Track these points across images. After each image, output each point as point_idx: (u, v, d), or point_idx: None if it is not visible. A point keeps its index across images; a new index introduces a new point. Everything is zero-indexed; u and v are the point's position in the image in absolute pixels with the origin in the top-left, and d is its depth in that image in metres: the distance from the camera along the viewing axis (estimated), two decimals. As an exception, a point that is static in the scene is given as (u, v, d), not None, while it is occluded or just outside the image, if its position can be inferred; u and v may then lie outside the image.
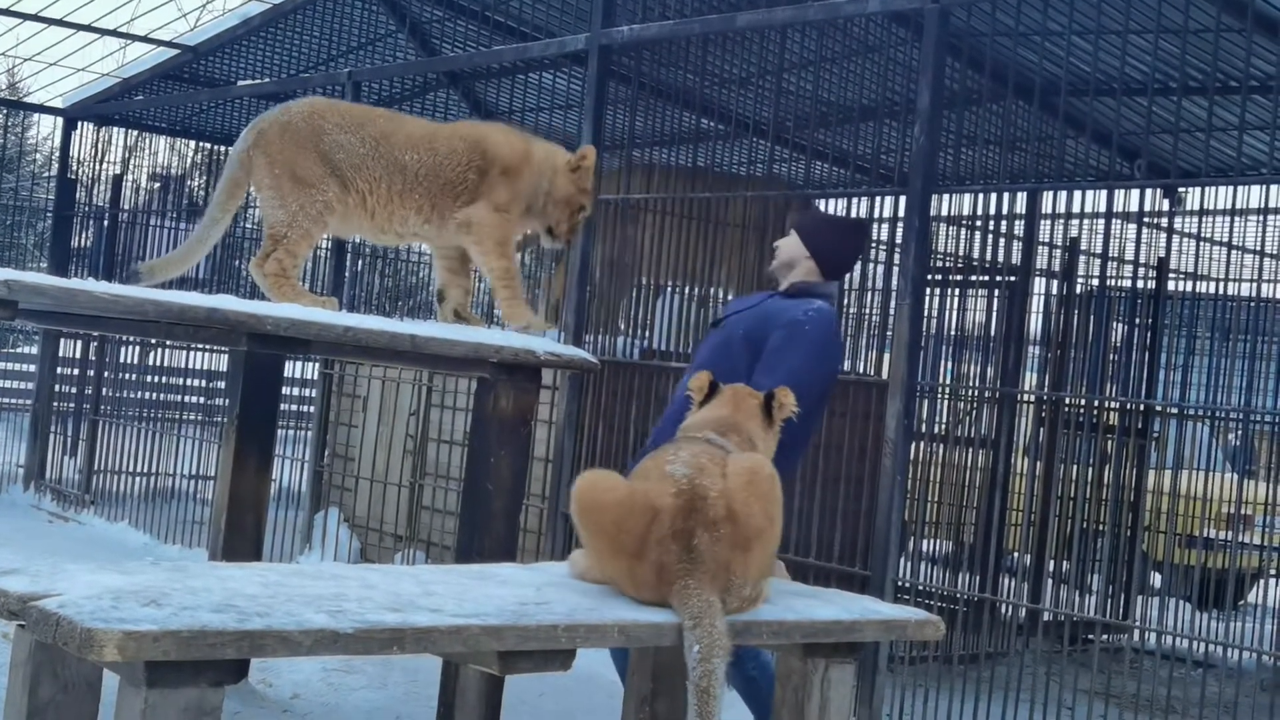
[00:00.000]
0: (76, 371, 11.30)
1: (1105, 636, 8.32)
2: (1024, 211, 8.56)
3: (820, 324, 4.62)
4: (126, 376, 10.98)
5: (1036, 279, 8.78)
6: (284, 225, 4.70)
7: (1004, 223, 7.24)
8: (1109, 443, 8.68)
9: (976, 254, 7.89)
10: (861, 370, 8.04)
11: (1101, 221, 8.23)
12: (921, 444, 7.58)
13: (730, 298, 5.47)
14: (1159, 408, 8.85)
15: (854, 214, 7.59)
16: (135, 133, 12.14)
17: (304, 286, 4.81)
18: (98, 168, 11.78)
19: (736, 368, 4.71)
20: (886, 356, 6.37)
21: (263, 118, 4.88)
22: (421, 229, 4.85)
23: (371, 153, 4.75)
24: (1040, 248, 8.70)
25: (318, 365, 9.30)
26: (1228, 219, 8.56)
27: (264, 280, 4.73)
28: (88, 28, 10.10)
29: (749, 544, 3.49)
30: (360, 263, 10.08)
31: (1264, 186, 8.63)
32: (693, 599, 3.37)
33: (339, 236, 5.00)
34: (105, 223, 11.38)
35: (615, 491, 3.53)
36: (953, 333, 8.13)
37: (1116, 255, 9.02)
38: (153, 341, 10.32)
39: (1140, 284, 8.85)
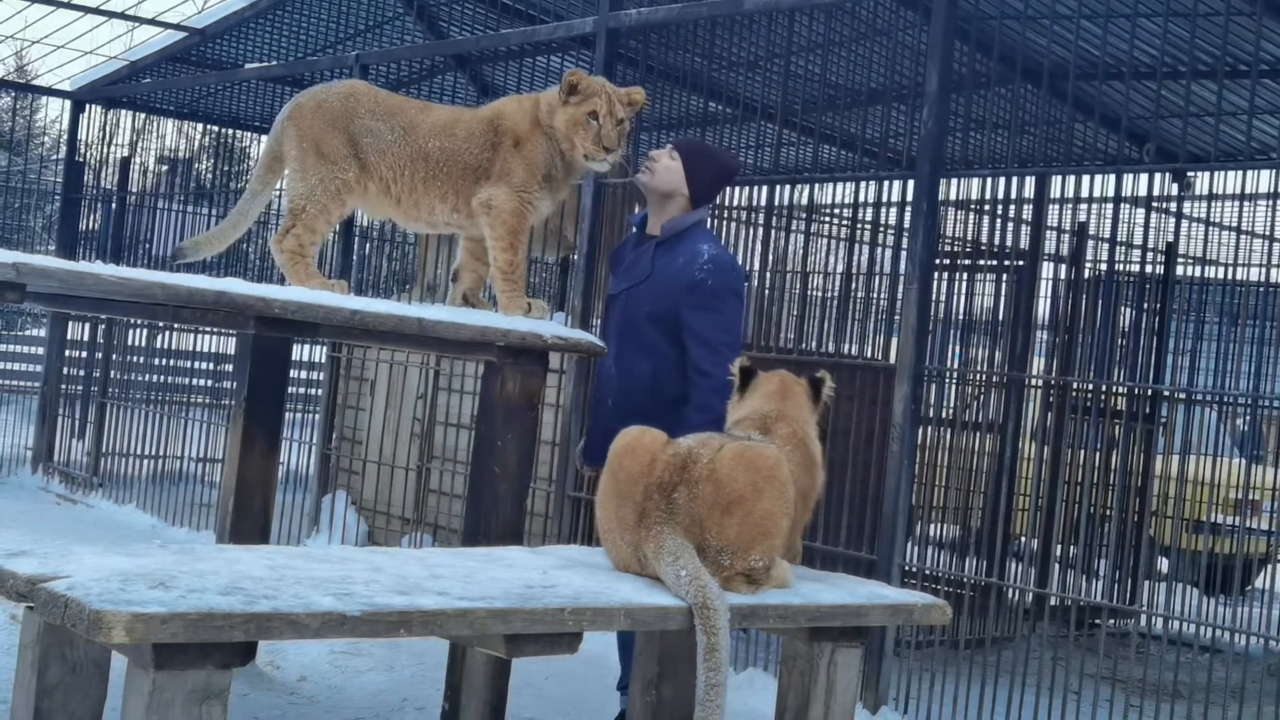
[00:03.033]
0: (84, 354, 11.32)
1: (1112, 621, 8.32)
2: (1032, 196, 8.54)
3: (718, 271, 4.85)
4: (134, 359, 10.99)
5: (1045, 263, 8.76)
6: (303, 198, 4.73)
7: (1012, 207, 7.22)
8: (1116, 428, 8.67)
9: (984, 238, 7.88)
10: (869, 355, 8.04)
11: (1110, 206, 8.21)
12: (929, 429, 7.57)
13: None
14: (1167, 393, 8.83)
15: (861, 199, 7.56)
16: (143, 115, 12.13)
17: (316, 268, 4.82)
18: (105, 150, 11.77)
19: (652, 345, 4.89)
20: (894, 341, 6.35)
21: (302, 93, 4.94)
22: (451, 218, 4.82)
23: (398, 140, 4.75)
24: (1048, 232, 8.68)
25: (325, 348, 9.30)
26: (1237, 204, 8.53)
27: (280, 257, 4.75)
28: (96, 10, 10.09)
29: (729, 507, 3.63)
30: (368, 246, 10.08)
31: (1273, 171, 8.60)
32: (667, 540, 3.59)
33: (372, 217, 4.99)
34: (113, 206, 11.38)
35: (628, 435, 3.86)
36: (960, 317, 8.12)
37: (1125, 240, 9.00)
38: (160, 324, 10.33)
39: (1149, 269, 8.83)
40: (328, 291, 4.58)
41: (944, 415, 8.16)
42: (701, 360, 4.79)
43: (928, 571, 7.54)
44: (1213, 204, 8.83)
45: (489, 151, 4.75)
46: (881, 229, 7.62)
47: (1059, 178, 8.16)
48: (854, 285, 8.21)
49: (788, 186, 7.67)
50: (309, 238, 4.74)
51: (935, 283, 6.81)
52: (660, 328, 4.88)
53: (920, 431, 6.37)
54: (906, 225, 6.19)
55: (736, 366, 4.26)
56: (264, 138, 12.22)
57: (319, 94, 4.86)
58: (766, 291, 7.19)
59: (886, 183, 7.21)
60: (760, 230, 7.48)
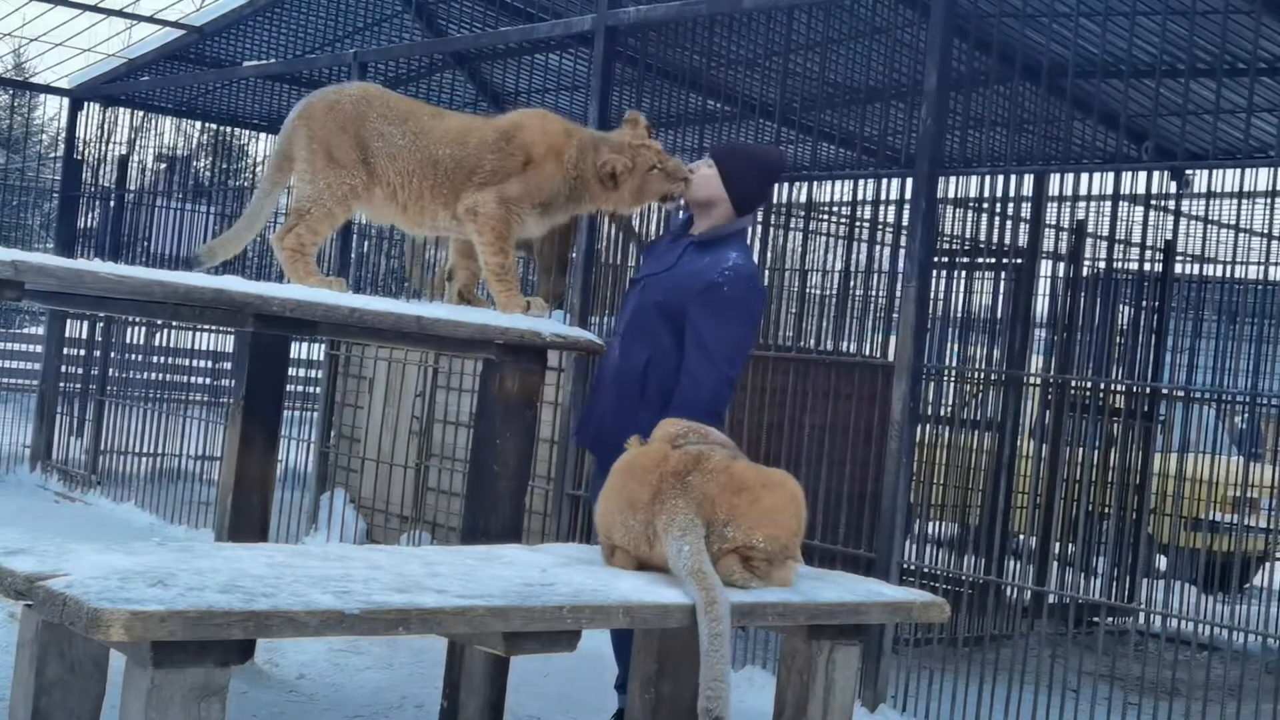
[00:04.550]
0: (83, 352, 11.32)
1: (1110, 619, 8.32)
2: (1030, 194, 8.54)
3: (738, 281, 4.76)
4: (132, 357, 10.99)
5: (1043, 261, 8.76)
6: (309, 201, 4.72)
7: (1010, 205, 7.22)
8: (1115, 426, 8.67)
9: (983, 236, 7.88)
10: (868, 353, 8.04)
11: (1109, 204, 8.21)
12: (927, 426, 7.57)
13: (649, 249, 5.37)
14: (1165, 391, 8.84)
15: (859, 197, 7.56)
16: (141, 113, 12.12)
17: (316, 266, 4.82)
18: (104, 148, 11.77)
19: (655, 335, 4.83)
20: (892, 339, 6.35)
21: (315, 94, 4.92)
22: (450, 224, 4.81)
23: (410, 145, 4.73)
24: (1047, 230, 8.68)
25: (324, 346, 9.30)
26: (1235, 201, 8.54)
27: (281, 254, 4.75)
28: (94, 8, 10.08)
29: (740, 490, 3.73)
30: (366, 244, 10.07)
31: (1271, 169, 8.60)
32: (680, 516, 3.67)
33: (377, 223, 4.96)
34: (111, 203, 11.38)
35: (641, 445, 4.01)
36: (959, 315, 8.12)
37: (1123, 238, 9.00)
38: (159, 322, 10.33)
39: (1147, 266, 8.83)
40: (326, 289, 4.57)
41: (943, 413, 8.16)
42: (695, 366, 4.71)
43: (926, 569, 7.55)
44: (1211, 202, 8.84)
45: (491, 154, 4.72)
46: (880, 227, 7.62)
47: (1057, 176, 8.16)
48: (853, 283, 8.21)
49: (786, 184, 7.66)
50: (310, 238, 4.74)
51: (934, 280, 6.81)
52: (665, 319, 4.82)
53: (919, 429, 6.38)
54: (905, 223, 6.19)
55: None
56: (263, 135, 12.29)
57: (331, 95, 4.84)
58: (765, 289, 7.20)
59: (885, 180, 7.22)
60: (759, 228, 7.48)
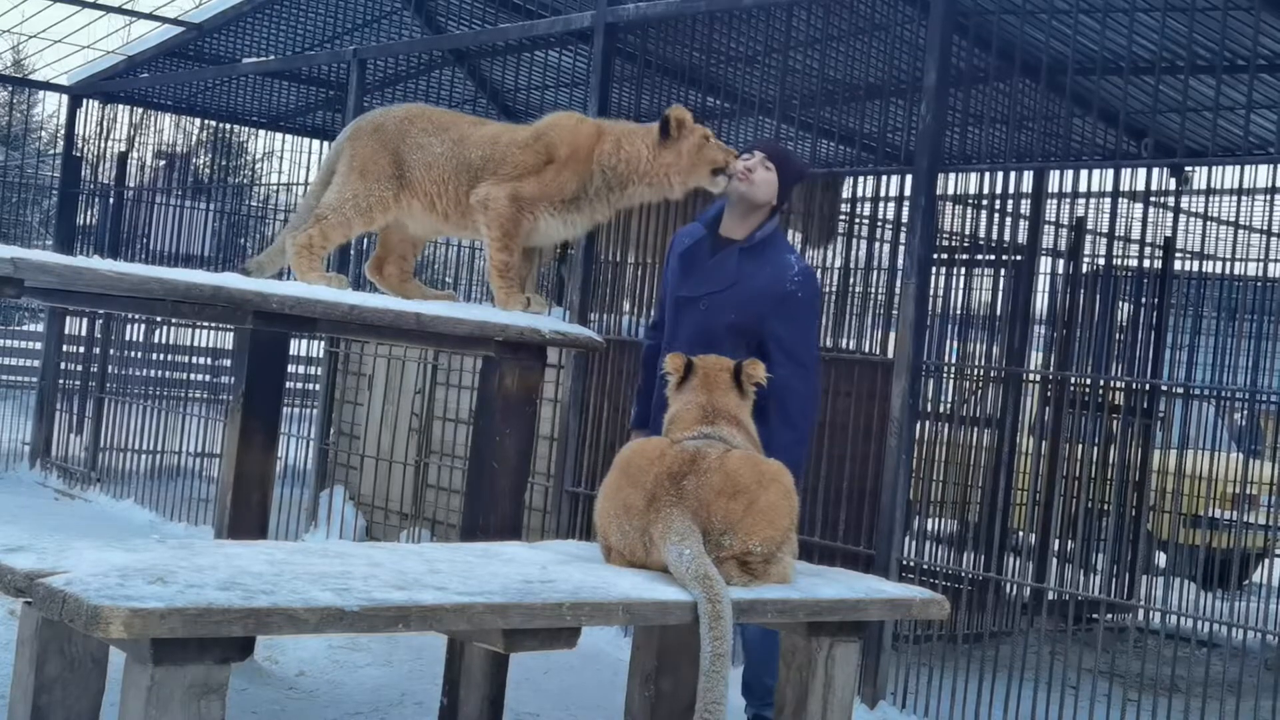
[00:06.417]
0: (82, 349, 11.31)
1: (1110, 616, 8.33)
2: (1030, 190, 8.54)
3: (807, 283, 4.84)
4: (132, 354, 10.99)
5: (1043, 258, 8.76)
6: (330, 209, 4.84)
7: (1010, 202, 7.22)
8: (1114, 422, 8.67)
9: (983, 233, 7.88)
10: (867, 349, 8.04)
11: (1108, 200, 8.21)
12: (927, 423, 7.57)
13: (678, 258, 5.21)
14: (1165, 387, 8.84)
15: (859, 193, 7.56)
16: (140, 110, 12.11)
17: (321, 265, 4.87)
18: (103, 145, 11.76)
19: (730, 354, 4.70)
20: (892, 336, 6.35)
21: (365, 115, 5.05)
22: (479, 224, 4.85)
23: (447, 152, 4.81)
24: (1046, 227, 8.67)
25: (323, 343, 9.30)
26: (1235, 198, 8.54)
27: (291, 248, 4.87)
28: (93, 5, 10.08)
29: (735, 494, 3.74)
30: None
31: (1271, 166, 8.59)
32: (676, 521, 3.69)
33: (422, 235, 4.97)
34: (110, 200, 11.37)
35: (635, 442, 4.09)
36: (958, 312, 8.11)
37: (1123, 234, 9.00)
38: (158, 319, 10.33)
39: (1146, 263, 8.83)
40: (326, 286, 4.59)
41: (942, 410, 8.16)
42: (790, 376, 4.65)
43: (926, 566, 7.54)
44: (1211, 198, 8.84)
45: (518, 150, 4.74)
46: (880, 223, 7.61)
47: (1057, 172, 8.16)
48: (852, 280, 8.21)
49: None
50: (320, 241, 4.84)
51: (933, 277, 6.80)
52: (741, 337, 4.73)
53: (918, 426, 6.38)
54: (905, 220, 6.19)
55: (675, 363, 4.29)
56: (262, 132, 12.28)
57: (378, 118, 4.97)
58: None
59: (885, 178, 7.22)
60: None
